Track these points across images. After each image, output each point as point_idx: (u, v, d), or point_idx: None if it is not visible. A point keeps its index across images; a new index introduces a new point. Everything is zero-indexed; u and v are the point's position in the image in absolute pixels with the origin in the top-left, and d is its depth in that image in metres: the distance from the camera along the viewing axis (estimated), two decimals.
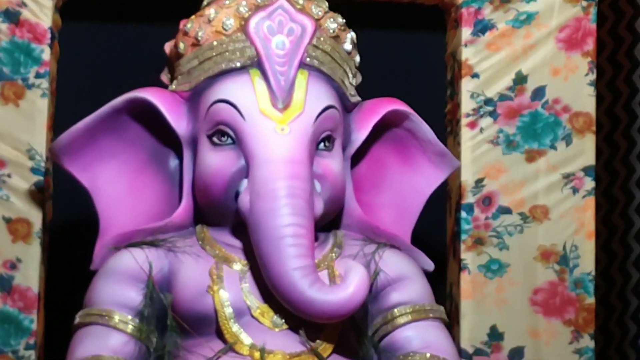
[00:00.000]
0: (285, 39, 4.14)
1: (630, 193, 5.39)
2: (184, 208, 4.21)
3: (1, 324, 4.47)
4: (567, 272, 4.69)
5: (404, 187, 4.44)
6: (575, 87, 4.73)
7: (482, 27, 4.76)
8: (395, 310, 4.15)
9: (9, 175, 4.52)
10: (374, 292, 4.14)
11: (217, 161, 4.11)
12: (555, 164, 4.75)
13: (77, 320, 4.06)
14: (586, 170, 4.74)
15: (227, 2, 4.21)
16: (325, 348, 3.99)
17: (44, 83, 4.56)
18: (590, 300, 4.68)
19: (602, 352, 5.07)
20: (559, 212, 4.73)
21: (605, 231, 5.18)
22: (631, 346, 5.41)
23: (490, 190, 4.73)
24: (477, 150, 4.75)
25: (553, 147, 4.74)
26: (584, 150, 4.74)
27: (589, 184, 4.74)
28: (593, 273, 4.73)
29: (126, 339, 4.04)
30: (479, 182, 4.71)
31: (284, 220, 3.97)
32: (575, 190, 4.73)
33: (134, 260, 4.13)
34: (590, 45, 4.74)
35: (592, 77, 4.75)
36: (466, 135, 4.75)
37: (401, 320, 4.14)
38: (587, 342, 4.68)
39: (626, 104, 5.42)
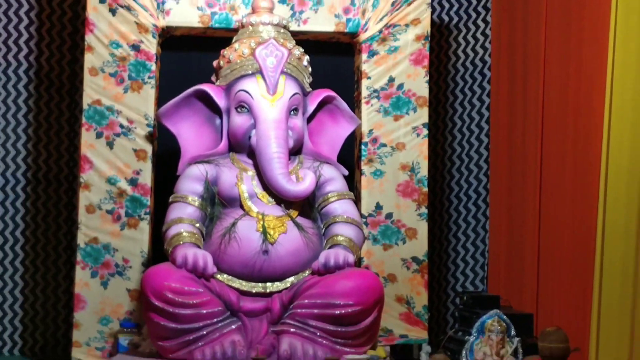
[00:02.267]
0: (274, 59, 4.27)
1: (446, 137, 5.58)
2: (223, 144, 4.38)
3: (132, 202, 4.55)
4: (414, 176, 4.80)
5: (333, 133, 4.58)
6: (418, 84, 4.80)
7: (372, 54, 4.79)
8: (329, 194, 4.33)
9: (135, 127, 4.57)
10: (318, 185, 4.29)
11: (240, 121, 4.28)
12: (408, 122, 4.80)
13: (170, 200, 4.27)
14: (424, 125, 4.81)
15: (245, 40, 4.33)
16: (294, 213, 4.18)
17: (152, 82, 4.63)
18: (425, 189, 4.81)
19: (432, 216, 5.19)
20: (410, 146, 4.81)
21: (433, 155, 5.27)
22: (446, 213, 5.60)
23: (375, 135, 4.78)
24: (369, 115, 4.79)
25: (407, 113, 4.80)
26: (422, 115, 4.81)
27: (425, 132, 4.83)
28: (426, 176, 4.83)
29: (194, 209, 4.21)
30: (370, 131, 4.79)
31: (273, 150, 4.14)
32: (418, 135, 4.80)
33: (198, 169, 4.29)
34: (425, 63, 4.82)
35: (427, 78, 4.83)
36: (364, 108, 4.80)
37: (332, 199, 4.32)
38: (424, 210, 4.81)
39: (443, 93, 5.58)
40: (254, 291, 4.03)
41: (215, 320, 3.90)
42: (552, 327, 3.84)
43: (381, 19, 4.73)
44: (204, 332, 3.86)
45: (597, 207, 4.07)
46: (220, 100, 4.29)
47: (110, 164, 4.48)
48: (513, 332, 3.79)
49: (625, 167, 3.90)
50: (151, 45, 4.57)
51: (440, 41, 5.39)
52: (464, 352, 3.81)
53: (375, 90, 4.76)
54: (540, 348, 3.78)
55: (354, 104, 4.81)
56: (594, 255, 4.08)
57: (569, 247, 4.41)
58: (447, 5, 5.41)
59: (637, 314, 3.77)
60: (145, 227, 4.52)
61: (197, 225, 4.13)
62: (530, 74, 4.93)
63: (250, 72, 4.22)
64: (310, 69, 4.43)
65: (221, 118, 4.34)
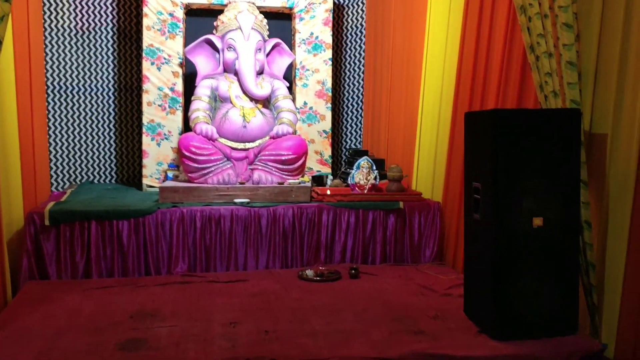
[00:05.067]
0: (247, 21, 3.99)
1: (341, 66, 4.94)
2: (220, 68, 4.08)
3: (172, 100, 4.19)
4: (324, 86, 4.40)
5: (280, 63, 4.28)
6: (326, 36, 4.33)
7: (301, 19, 4.34)
8: (278, 96, 4.14)
9: (172, 59, 4.17)
10: (272, 91, 4.10)
11: (229, 55, 4.03)
12: (321, 57, 4.37)
13: (192, 98, 4.05)
14: (329, 59, 4.37)
15: (231, 10, 4.05)
16: (259, 106, 3.99)
17: (181, 34, 4.17)
18: (330, 94, 4.43)
19: (333, 108, 4.72)
20: (322, 70, 4.37)
21: (334, 75, 4.60)
22: (340, 107, 4.99)
23: (303, 64, 4.36)
24: (300, 54, 4.35)
25: (320, 52, 4.35)
26: (328, 54, 4.38)
27: (330, 62, 4.40)
28: (330, 87, 4.41)
29: (205, 104, 4.00)
30: (300, 62, 4.37)
31: (247, 69, 3.93)
32: (326, 64, 4.37)
33: (207, 82, 4.06)
34: (330, 25, 4.33)
35: (330, 33, 4.36)
36: (297, 49, 4.38)
37: (280, 98, 4.13)
38: (329, 105, 4.44)
39: (340, 42, 4.89)
40: (239, 148, 3.90)
41: (218, 162, 3.77)
42: (394, 164, 3.83)
43: (306, 0, 4.42)
44: (212, 169, 3.77)
45: (419, 101, 3.96)
46: (219, 44, 4.05)
47: (159, 79, 4.16)
48: (374, 168, 3.71)
49: (434, 80, 3.77)
50: (180, 14, 4.22)
51: (338, 13, 4.91)
52: (349, 178, 3.74)
53: (303, 40, 4.43)
54: (388, 176, 3.76)
55: (292, 47, 4.47)
56: (416, 125, 3.99)
57: (404, 122, 4.25)
58: None
59: (437, 158, 3.76)
60: (179, 114, 4.22)
61: (207, 112, 3.95)
62: (385, 31, 4.58)
63: (234, 28, 3.97)
64: (267, 27, 4.17)
65: (219, 53, 4.07)
